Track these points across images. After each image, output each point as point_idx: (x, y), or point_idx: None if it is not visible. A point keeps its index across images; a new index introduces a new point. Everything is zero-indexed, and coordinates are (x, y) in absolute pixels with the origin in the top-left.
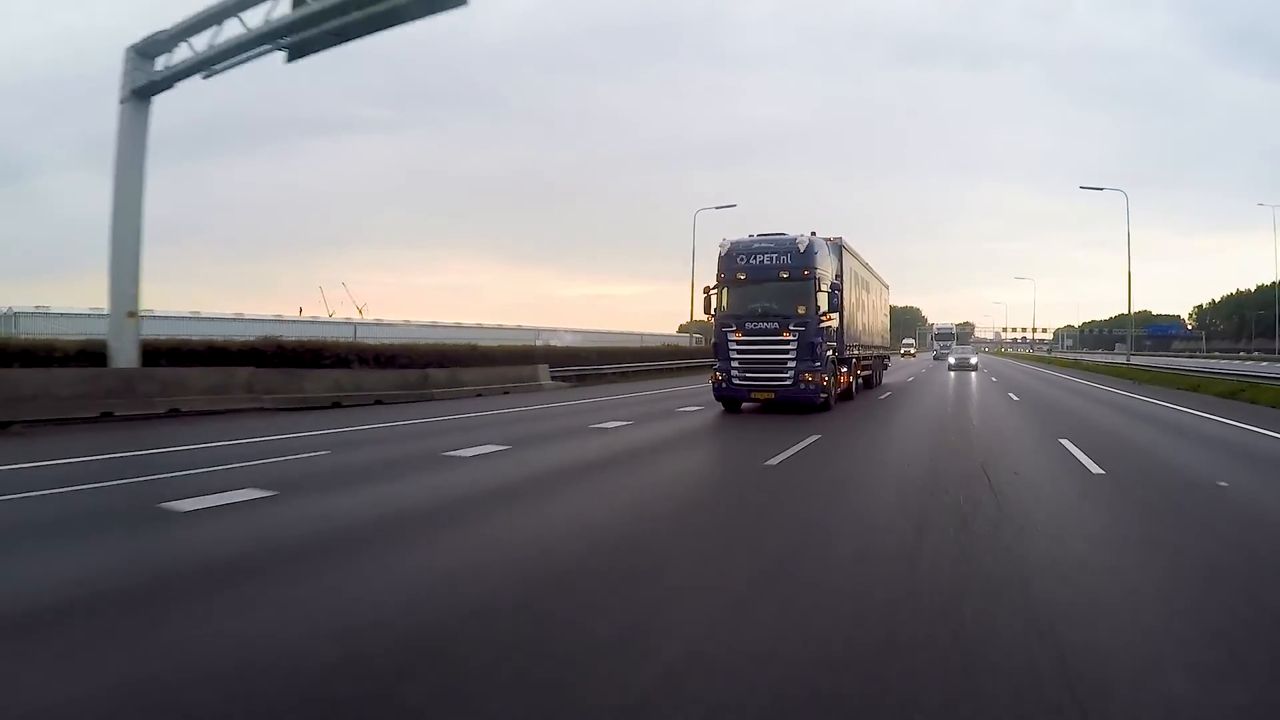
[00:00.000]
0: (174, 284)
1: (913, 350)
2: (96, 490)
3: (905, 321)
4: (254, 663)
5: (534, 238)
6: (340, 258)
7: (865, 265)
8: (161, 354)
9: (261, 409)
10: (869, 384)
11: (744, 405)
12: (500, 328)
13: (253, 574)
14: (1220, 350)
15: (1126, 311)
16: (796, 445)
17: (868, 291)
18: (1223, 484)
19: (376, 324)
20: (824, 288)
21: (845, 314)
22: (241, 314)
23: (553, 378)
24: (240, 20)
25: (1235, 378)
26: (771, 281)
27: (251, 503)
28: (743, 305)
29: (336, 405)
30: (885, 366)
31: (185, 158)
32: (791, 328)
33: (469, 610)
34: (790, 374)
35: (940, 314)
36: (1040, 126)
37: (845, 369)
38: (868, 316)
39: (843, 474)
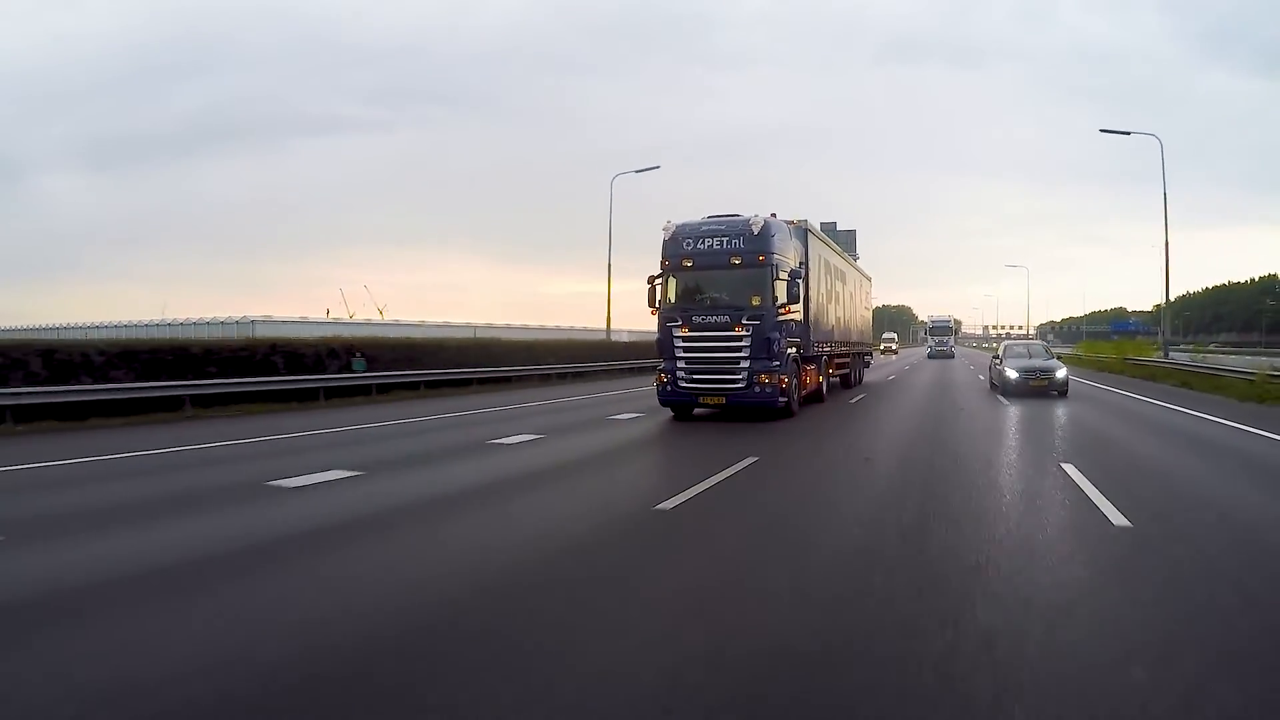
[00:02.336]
0: (167, 286)
1: (894, 346)
2: None
3: (899, 320)
4: None
5: (524, 236)
6: (338, 257)
7: (840, 253)
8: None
9: None
10: (846, 383)
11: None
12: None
13: None
14: (1167, 344)
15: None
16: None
17: (843, 282)
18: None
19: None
20: (783, 275)
21: (813, 306)
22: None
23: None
24: None
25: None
26: (721, 269)
27: None
28: (689, 296)
29: None
30: (867, 364)
31: (176, 159)
32: (745, 321)
33: None
34: (743, 375)
35: (928, 311)
36: (1026, 124)
37: (813, 367)
38: (842, 310)
39: None
